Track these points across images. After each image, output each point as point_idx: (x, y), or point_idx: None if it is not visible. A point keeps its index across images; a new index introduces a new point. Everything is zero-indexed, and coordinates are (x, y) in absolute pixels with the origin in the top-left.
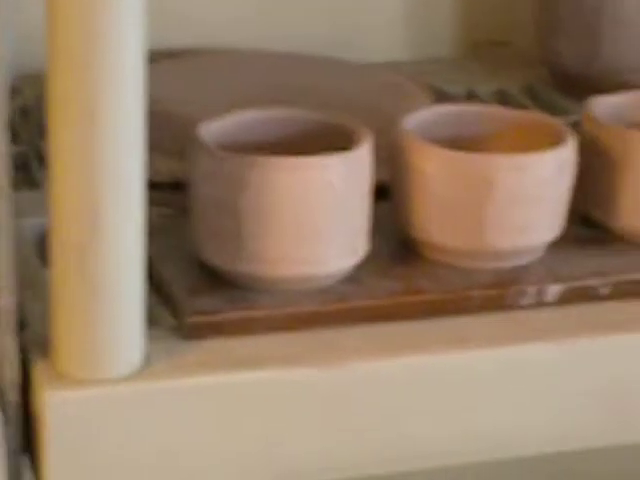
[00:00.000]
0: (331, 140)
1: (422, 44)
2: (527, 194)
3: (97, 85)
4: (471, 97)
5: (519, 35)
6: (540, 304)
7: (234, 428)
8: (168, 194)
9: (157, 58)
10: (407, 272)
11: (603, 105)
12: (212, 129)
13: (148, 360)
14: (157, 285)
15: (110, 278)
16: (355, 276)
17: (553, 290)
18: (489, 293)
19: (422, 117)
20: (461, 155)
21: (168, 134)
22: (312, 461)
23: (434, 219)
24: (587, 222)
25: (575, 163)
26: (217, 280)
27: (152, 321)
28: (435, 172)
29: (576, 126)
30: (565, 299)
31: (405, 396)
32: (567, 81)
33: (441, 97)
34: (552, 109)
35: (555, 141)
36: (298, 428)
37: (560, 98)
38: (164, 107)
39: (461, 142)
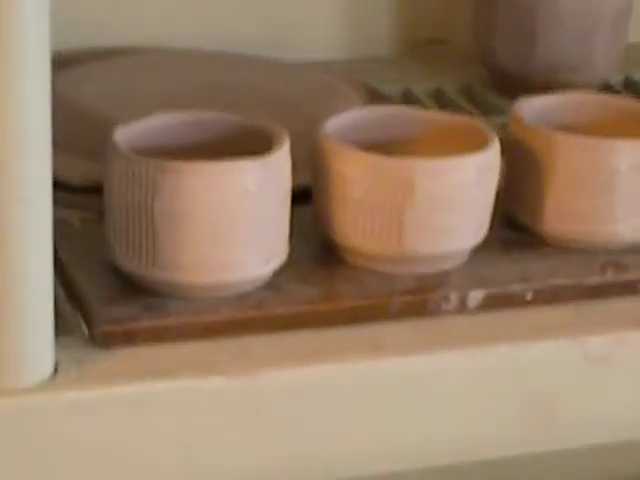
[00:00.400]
0: (250, 143)
1: (359, 43)
2: (447, 198)
3: None
4: (407, 97)
5: (459, 34)
6: (462, 310)
7: (146, 439)
8: (88, 197)
9: (88, 58)
10: (327, 278)
11: (531, 106)
12: (128, 132)
13: (57, 370)
14: (70, 292)
15: (14, 286)
16: (274, 282)
17: (475, 296)
18: (409, 299)
19: (345, 119)
20: (380, 158)
21: (89, 135)
22: (227, 471)
23: (354, 223)
24: (514, 225)
25: (498, 167)
26: (132, 287)
27: (66, 329)
28: (354, 175)
29: (506, 127)
30: (488, 305)
31: (319, 405)
32: (504, 81)
33: (375, 97)
34: (488, 109)
35: (480, 144)
36: (212, 438)
37: (497, 98)
38: (87, 107)
39: (384, 145)
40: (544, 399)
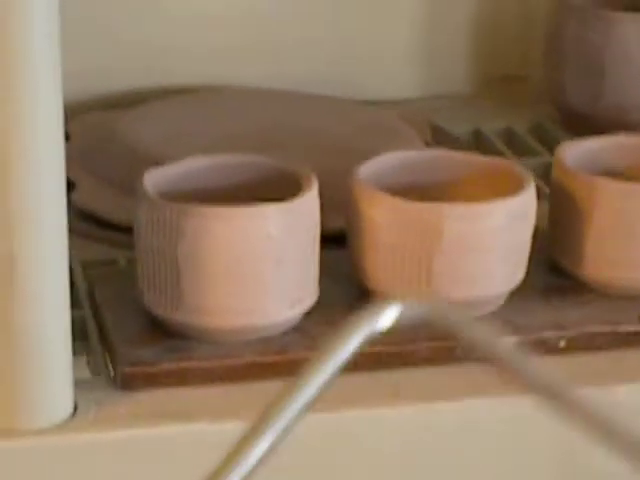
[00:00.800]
0: (281, 187)
1: (433, 81)
2: (476, 244)
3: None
4: (476, 136)
5: (537, 70)
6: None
7: None
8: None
9: (155, 97)
10: None
11: (576, 150)
12: (160, 175)
13: (76, 411)
14: (102, 332)
15: (32, 328)
16: (301, 326)
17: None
18: (436, 345)
19: (380, 163)
20: (407, 203)
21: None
22: None
23: (384, 268)
24: (556, 271)
25: (534, 211)
26: (159, 330)
27: (96, 370)
28: (383, 220)
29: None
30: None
31: (339, 452)
32: (573, 119)
33: (442, 136)
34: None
35: (515, 189)
36: None
37: (567, 137)
38: (144, 148)
39: (419, 189)
40: (576, 454)
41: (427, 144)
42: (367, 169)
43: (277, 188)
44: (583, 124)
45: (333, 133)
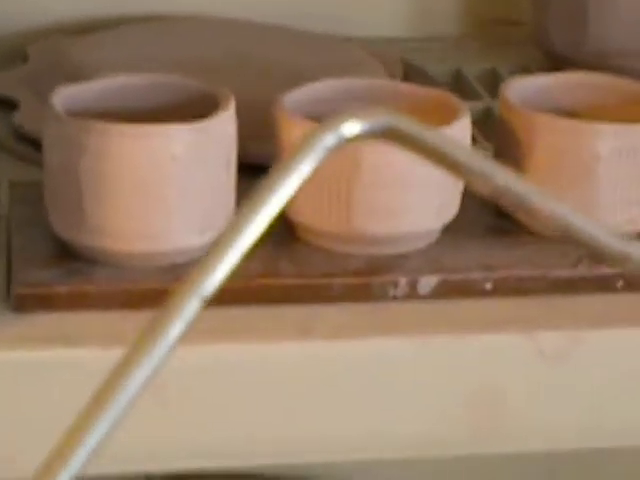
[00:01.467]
0: (204, 110)
1: (424, 21)
2: (398, 176)
3: None
4: (456, 78)
5: (527, 14)
6: (412, 297)
7: (47, 406)
8: None
9: (116, 24)
10: (270, 253)
11: (524, 87)
12: (73, 93)
13: None
14: (8, 255)
15: None
16: None
17: (428, 282)
18: (352, 281)
19: (312, 91)
20: None
21: None
22: (133, 447)
23: (303, 197)
24: (496, 210)
25: (468, 144)
26: (62, 253)
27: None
28: None
29: None
30: (441, 293)
31: (236, 386)
32: (557, 64)
33: (416, 76)
34: None
35: (450, 119)
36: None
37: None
38: (96, 73)
39: None
40: (491, 397)
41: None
42: (296, 96)
43: (198, 110)
44: (567, 69)
45: (290, 64)
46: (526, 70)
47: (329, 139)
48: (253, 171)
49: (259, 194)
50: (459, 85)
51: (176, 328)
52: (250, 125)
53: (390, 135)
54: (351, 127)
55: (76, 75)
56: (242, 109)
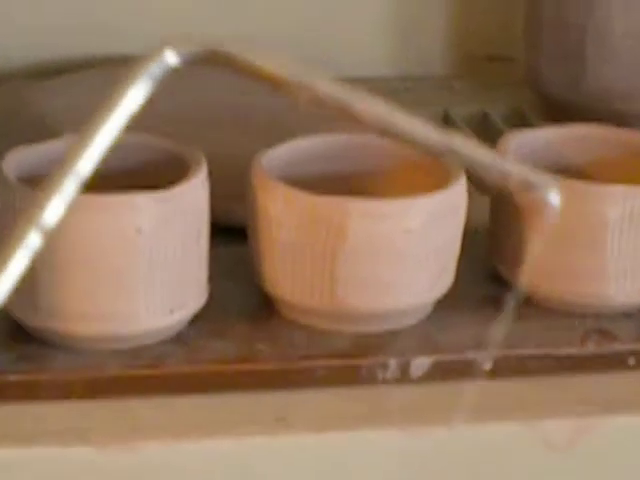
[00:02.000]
0: (172, 174)
1: (410, 59)
2: (387, 247)
3: None
4: (445, 121)
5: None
6: (404, 380)
7: None
8: None
9: (78, 66)
10: (247, 333)
11: (523, 141)
12: (28, 156)
13: None
14: None
15: None
16: (183, 335)
17: (421, 363)
18: (337, 363)
19: (291, 150)
20: (306, 196)
21: None
22: None
23: (282, 270)
24: (494, 279)
25: (462, 211)
26: (16, 334)
27: None
28: (279, 214)
29: None
30: (436, 376)
31: None
32: (551, 106)
33: None
34: None
35: (443, 184)
36: None
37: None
38: (51, 120)
39: (339, 182)
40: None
41: None
42: (275, 155)
43: (166, 174)
44: (562, 112)
45: (270, 111)
46: (519, 113)
47: (154, 70)
48: (239, 235)
49: (91, 126)
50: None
51: (18, 262)
52: (233, 183)
53: (214, 59)
54: (173, 55)
55: (33, 121)
56: (224, 165)
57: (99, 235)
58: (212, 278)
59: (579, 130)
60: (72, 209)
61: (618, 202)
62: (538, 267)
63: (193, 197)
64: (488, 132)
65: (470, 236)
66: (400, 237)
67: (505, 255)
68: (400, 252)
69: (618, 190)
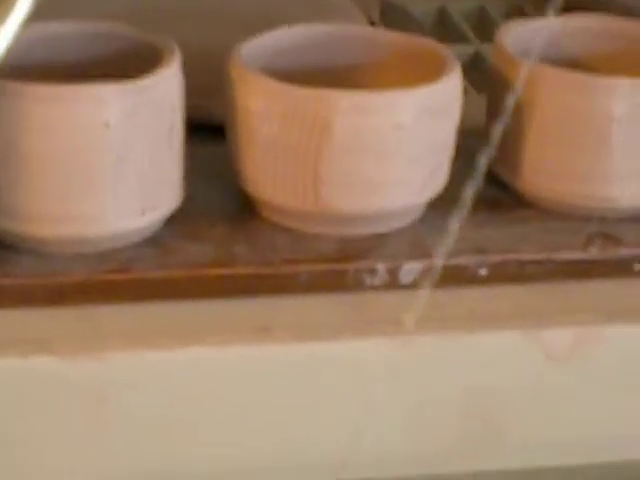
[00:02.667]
0: (144, 65)
1: None
2: (375, 144)
3: None
4: (441, 16)
5: None
6: (392, 286)
7: None
8: None
9: None
10: (226, 235)
11: (522, 32)
12: None
13: None
14: None
15: None
16: (155, 237)
17: (411, 269)
18: (321, 269)
19: (271, 40)
20: (289, 89)
21: None
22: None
23: (263, 169)
24: (491, 180)
25: (457, 105)
26: None
27: None
28: (260, 109)
29: None
30: (427, 282)
31: (180, 397)
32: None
33: (393, 14)
34: None
35: (435, 76)
36: (36, 433)
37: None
38: None
39: (321, 75)
40: (486, 407)
41: (371, 23)
42: (256, 45)
43: (139, 67)
44: (565, 6)
45: (257, 7)
46: (518, 10)
47: None
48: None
49: None
50: (444, 26)
51: None
52: (211, 77)
53: None
54: None
55: None
56: (201, 57)
57: (63, 129)
58: (188, 178)
59: (580, 21)
60: (32, 99)
61: (624, 96)
62: (538, 166)
63: (165, 89)
64: (485, 27)
65: (467, 136)
66: (390, 133)
67: (501, 155)
68: (389, 149)
69: (624, 83)
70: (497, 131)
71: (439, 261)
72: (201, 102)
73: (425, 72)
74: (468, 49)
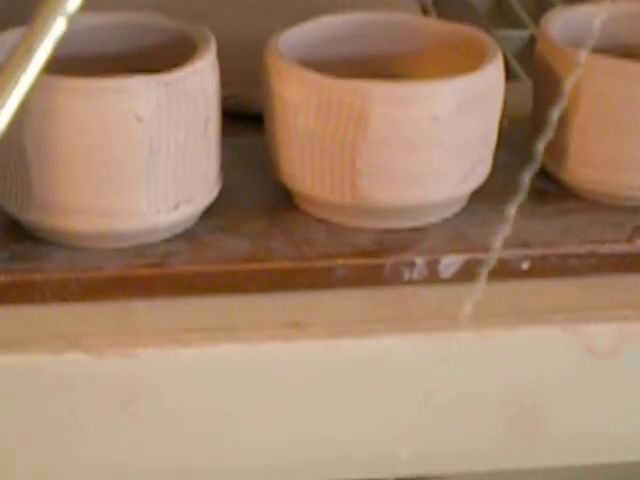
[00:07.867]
0: (179, 55)
1: None
2: (415, 136)
3: None
4: (498, 3)
5: None
6: (432, 281)
7: None
8: None
9: None
10: (262, 229)
11: (569, 19)
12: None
13: None
14: None
15: None
16: (191, 232)
17: (451, 262)
18: (359, 263)
19: (312, 30)
20: (324, 80)
21: None
22: (95, 466)
23: (300, 162)
24: (541, 173)
25: (499, 94)
26: (9, 232)
27: None
28: (296, 101)
29: None
30: (467, 276)
31: (214, 394)
32: None
33: (449, 2)
34: None
35: (477, 65)
36: (72, 428)
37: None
38: None
39: (364, 65)
40: (528, 403)
41: (424, 12)
42: (293, 35)
43: (175, 59)
44: None
45: None
46: None
47: None
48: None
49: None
50: (501, 11)
51: (45, 48)
52: (249, 67)
53: None
54: None
55: None
56: (238, 47)
57: (94, 122)
58: (224, 170)
59: (629, 6)
60: (63, 92)
61: None
62: (583, 157)
63: (199, 81)
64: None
65: (512, 125)
66: (427, 125)
67: (548, 145)
68: (427, 141)
69: None
70: (551, 121)
71: (494, 253)
72: (237, 92)
73: (467, 61)
74: (523, 34)
